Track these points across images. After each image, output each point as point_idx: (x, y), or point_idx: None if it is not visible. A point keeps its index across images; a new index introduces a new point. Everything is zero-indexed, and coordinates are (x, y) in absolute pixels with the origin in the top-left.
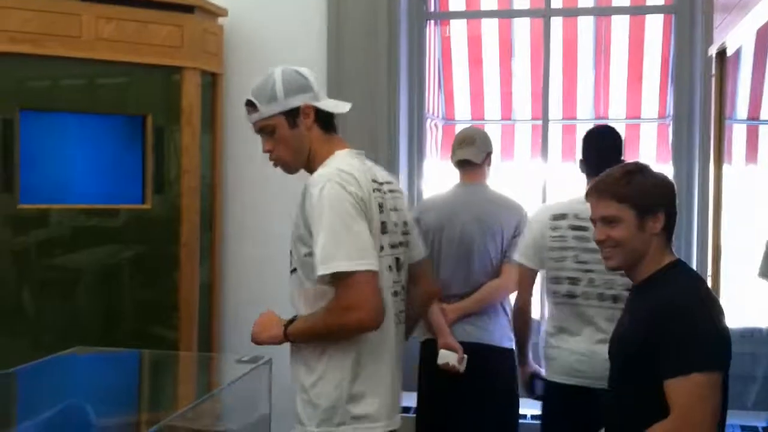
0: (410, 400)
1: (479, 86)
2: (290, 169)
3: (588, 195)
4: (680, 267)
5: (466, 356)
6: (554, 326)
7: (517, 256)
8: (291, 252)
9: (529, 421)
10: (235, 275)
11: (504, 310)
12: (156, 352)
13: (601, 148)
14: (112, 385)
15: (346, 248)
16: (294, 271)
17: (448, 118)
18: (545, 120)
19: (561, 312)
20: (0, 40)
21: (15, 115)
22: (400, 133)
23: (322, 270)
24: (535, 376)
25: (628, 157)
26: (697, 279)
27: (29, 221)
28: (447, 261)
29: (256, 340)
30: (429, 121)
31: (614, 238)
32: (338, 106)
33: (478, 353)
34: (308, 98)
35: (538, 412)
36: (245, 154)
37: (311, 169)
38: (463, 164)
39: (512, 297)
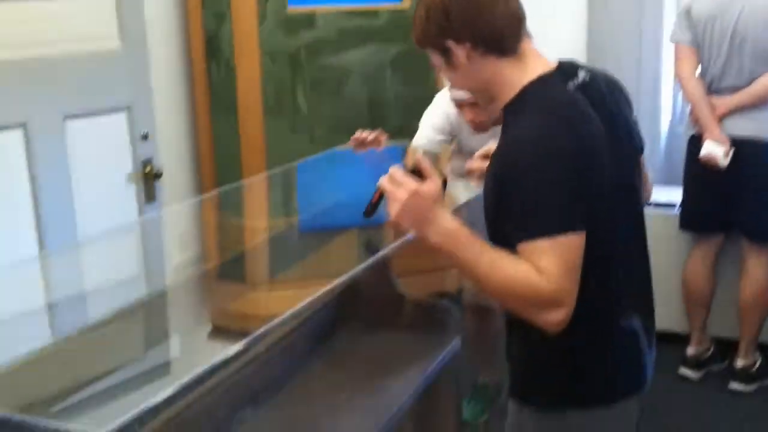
0: (675, 195)
1: None
2: None
3: None
4: (534, 90)
5: (732, 150)
6: None
7: None
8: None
9: None
10: None
11: None
12: None
13: None
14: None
15: None
16: None
17: None
18: None
19: None
20: None
21: None
22: None
23: None
24: None
25: None
26: (555, 102)
27: (298, 23)
28: (719, 52)
29: None
30: None
31: (453, 84)
32: None
33: (751, 148)
34: None
35: None
36: None
37: None
38: None
39: None
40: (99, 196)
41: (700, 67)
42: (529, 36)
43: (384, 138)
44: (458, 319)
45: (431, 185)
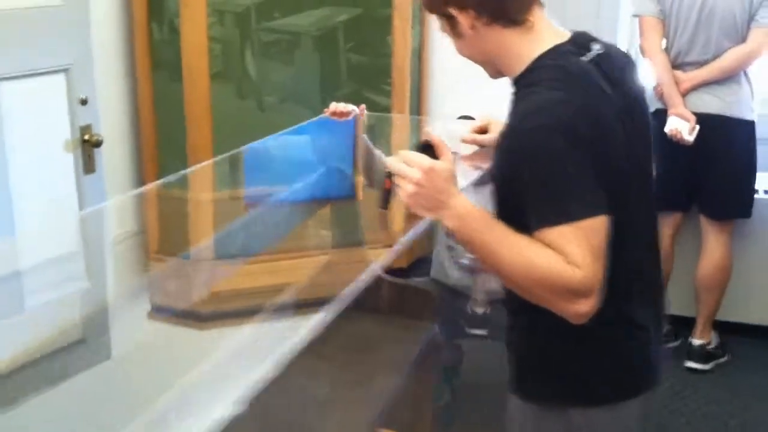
0: None
1: None
2: None
3: None
4: (546, 62)
5: (697, 127)
6: None
7: None
8: None
9: (763, 195)
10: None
11: (747, 78)
12: (375, 114)
13: None
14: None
15: None
16: None
17: None
18: None
19: None
20: None
21: None
22: None
23: None
24: None
25: None
26: (569, 75)
27: None
28: (686, 25)
29: None
30: None
31: (459, 53)
32: None
33: (716, 125)
34: None
35: None
36: None
37: None
38: None
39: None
40: (35, 165)
41: (664, 41)
42: (541, 6)
43: (363, 112)
44: (436, 302)
45: (446, 163)
